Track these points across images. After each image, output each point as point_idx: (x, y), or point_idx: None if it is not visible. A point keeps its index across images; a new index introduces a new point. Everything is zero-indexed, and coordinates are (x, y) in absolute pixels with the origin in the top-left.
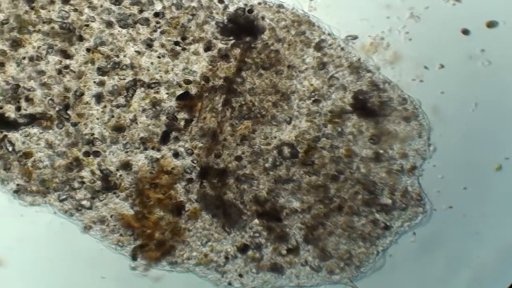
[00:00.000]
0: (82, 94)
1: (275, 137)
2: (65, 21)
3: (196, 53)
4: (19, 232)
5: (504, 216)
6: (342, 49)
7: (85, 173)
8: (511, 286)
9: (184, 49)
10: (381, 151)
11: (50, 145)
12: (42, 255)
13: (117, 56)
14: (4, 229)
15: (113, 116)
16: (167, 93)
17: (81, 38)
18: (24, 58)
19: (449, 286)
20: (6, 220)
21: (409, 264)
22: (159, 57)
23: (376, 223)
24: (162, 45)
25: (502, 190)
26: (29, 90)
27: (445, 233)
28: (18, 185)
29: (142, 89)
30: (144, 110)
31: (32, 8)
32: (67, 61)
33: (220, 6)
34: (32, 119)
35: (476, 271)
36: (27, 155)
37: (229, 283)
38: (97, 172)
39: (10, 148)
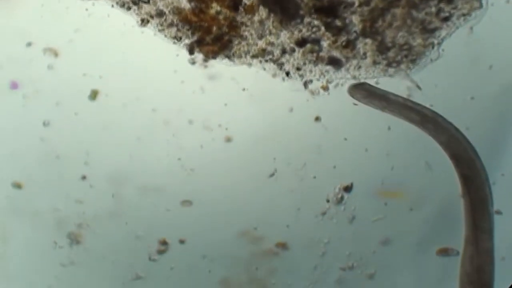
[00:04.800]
0: None
1: None
2: None
3: None
4: (76, 25)
5: None
6: None
7: None
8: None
9: None
10: None
11: None
12: (98, 45)
13: None
14: (61, 22)
15: None
16: None
17: None
18: None
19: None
20: (64, 13)
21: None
22: None
23: (437, 13)
24: None
25: None
26: None
27: (501, 32)
28: None
29: None
30: None
31: None
32: None
33: None
34: None
35: None
36: None
37: (287, 74)
38: None
39: None
